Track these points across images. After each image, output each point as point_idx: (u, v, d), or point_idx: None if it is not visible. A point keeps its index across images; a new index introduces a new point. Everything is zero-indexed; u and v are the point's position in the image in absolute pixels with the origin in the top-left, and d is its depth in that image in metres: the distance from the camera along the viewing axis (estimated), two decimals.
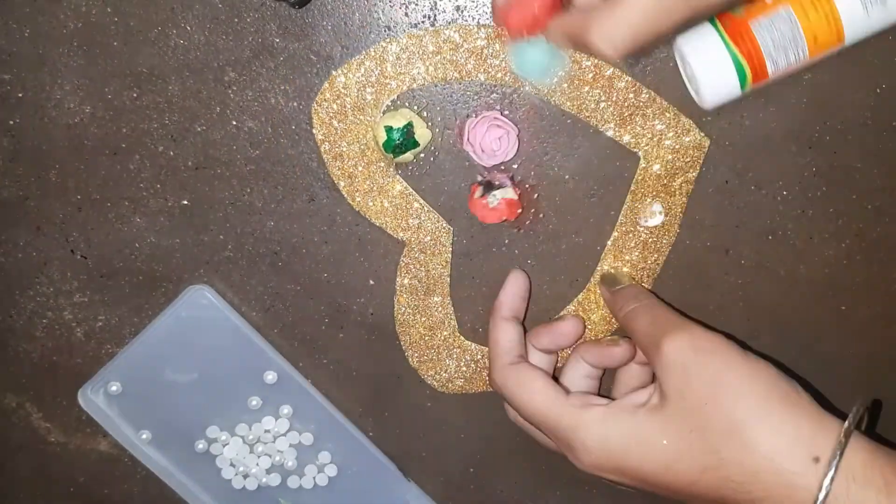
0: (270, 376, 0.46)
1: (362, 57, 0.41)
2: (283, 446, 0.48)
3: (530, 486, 0.50)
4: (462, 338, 0.46)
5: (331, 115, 0.42)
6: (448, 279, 0.45)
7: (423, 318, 0.45)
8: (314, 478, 0.49)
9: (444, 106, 0.42)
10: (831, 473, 0.31)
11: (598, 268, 0.45)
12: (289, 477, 0.49)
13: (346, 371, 0.47)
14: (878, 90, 0.42)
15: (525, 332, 0.44)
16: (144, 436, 0.48)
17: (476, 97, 0.42)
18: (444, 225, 0.44)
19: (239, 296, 0.46)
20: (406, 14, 0.41)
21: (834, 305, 0.46)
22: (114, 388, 0.46)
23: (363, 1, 0.40)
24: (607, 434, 0.36)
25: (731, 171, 0.44)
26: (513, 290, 0.44)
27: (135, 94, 0.41)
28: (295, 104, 0.42)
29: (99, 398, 0.47)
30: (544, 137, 0.43)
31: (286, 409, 0.47)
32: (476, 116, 0.42)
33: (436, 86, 0.42)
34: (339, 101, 0.41)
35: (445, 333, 0.46)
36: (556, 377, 0.43)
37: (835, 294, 0.46)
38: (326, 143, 0.42)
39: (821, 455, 0.32)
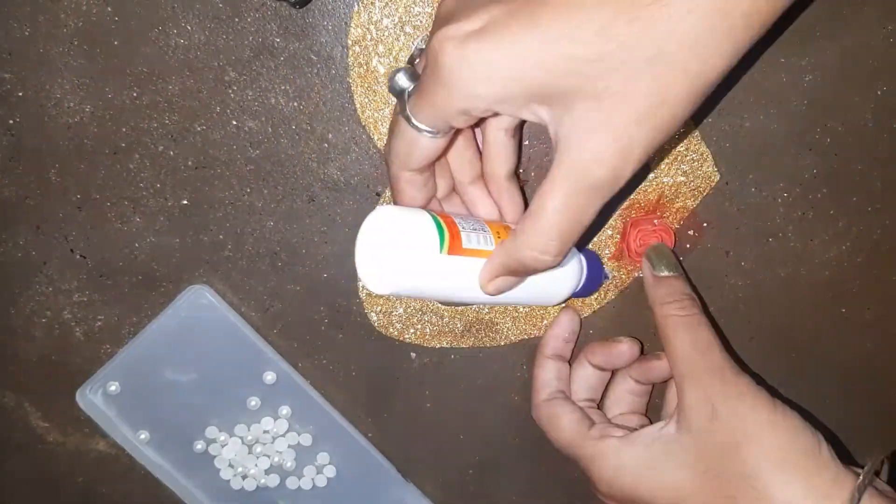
0: (269, 377, 0.46)
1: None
2: (281, 447, 0.48)
3: (529, 487, 0.50)
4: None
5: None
6: None
7: None
8: (313, 479, 0.49)
9: None
10: None
11: None
12: (287, 478, 0.49)
13: (346, 372, 0.47)
14: (879, 92, 0.42)
15: (569, 365, 0.45)
16: (143, 436, 0.48)
17: None
18: None
19: (238, 296, 0.46)
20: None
21: (834, 307, 0.46)
22: (112, 387, 0.46)
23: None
24: (621, 464, 0.37)
25: (731, 172, 0.44)
26: (559, 332, 0.45)
27: (135, 94, 0.41)
28: (295, 104, 0.42)
29: (97, 398, 0.47)
30: (544, 139, 0.43)
31: (285, 410, 0.47)
32: None
33: None
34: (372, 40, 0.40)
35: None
36: (603, 395, 0.45)
37: (835, 296, 0.46)
38: (358, 46, 0.40)
39: None
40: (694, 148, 0.43)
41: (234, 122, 0.42)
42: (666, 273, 0.41)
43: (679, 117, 0.28)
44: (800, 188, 0.44)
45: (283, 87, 0.42)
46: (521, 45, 0.27)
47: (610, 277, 0.45)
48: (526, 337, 0.46)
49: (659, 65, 0.27)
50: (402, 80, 0.32)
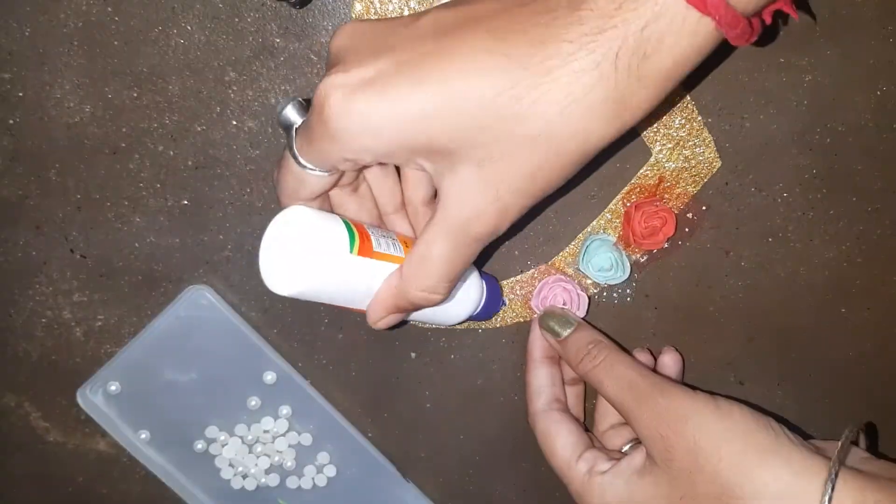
0: (270, 376, 0.46)
1: None
2: (282, 446, 0.48)
3: (529, 487, 0.50)
4: None
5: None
6: None
7: None
8: (313, 478, 0.49)
9: None
10: None
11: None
12: (288, 477, 0.49)
13: (346, 371, 0.47)
14: (879, 92, 0.42)
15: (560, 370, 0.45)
16: (143, 436, 0.48)
17: None
18: None
19: (238, 296, 0.46)
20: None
21: (834, 307, 0.46)
22: (113, 387, 0.46)
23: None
24: (605, 502, 0.38)
25: (731, 172, 0.44)
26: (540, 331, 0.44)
27: (135, 94, 0.41)
28: None
29: (98, 398, 0.47)
30: None
31: (285, 410, 0.47)
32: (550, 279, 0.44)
33: None
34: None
35: None
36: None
37: (835, 296, 0.46)
38: None
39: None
40: (696, 133, 0.42)
41: (234, 122, 0.42)
42: (567, 333, 0.42)
43: (554, 185, 0.30)
44: (800, 188, 0.44)
45: (283, 88, 0.42)
46: (407, 103, 0.28)
47: (507, 304, 0.46)
48: (521, 321, 0.46)
49: (540, 143, 0.28)
50: (291, 114, 0.32)
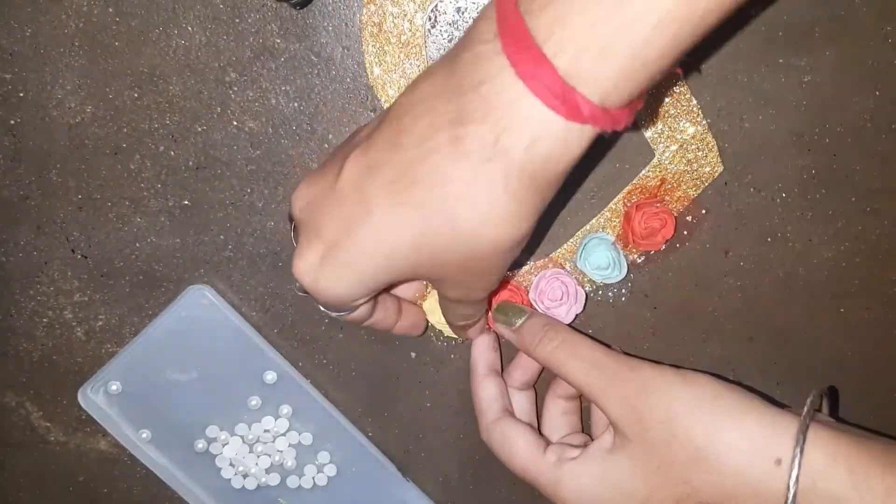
0: (270, 376, 0.46)
1: None
2: (282, 446, 0.48)
3: (529, 487, 0.50)
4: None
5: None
6: None
7: None
8: (313, 478, 0.49)
9: None
10: (794, 474, 0.32)
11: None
12: (288, 477, 0.49)
13: (346, 371, 0.47)
14: (877, 92, 0.42)
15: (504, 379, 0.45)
16: (144, 435, 0.48)
17: None
18: None
19: (239, 296, 0.46)
20: None
21: (833, 307, 0.46)
22: (114, 387, 0.46)
23: (364, 1, 0.40)
24: (581, 486, 0.37)
25: (730, 172, 0.44)
26: (483, 345, 0.45)
27: (136, 94, 0.42)
28: (296, 105, 0.42)
29: (99, 397, 0.47)
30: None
31: (286, 409, 0.47)
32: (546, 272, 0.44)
33: None
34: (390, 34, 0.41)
35: None
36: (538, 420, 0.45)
37: (834, 296, 0.46)
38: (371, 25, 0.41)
39: (782, 456, 0.32)
40: (700, 137, 0.42)
41: (235, 123, 0.42)
42: (520, 321, 0.42)
43: (496, 279, 0.34)
44: (798, 188, 0.44)
45: (283, 88, 0.42)
46: (357, 268, 0.32)
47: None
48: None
49: (468, 264, 0.31)
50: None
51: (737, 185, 0.44)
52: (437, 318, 0.44)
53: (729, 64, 0.42)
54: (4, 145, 0.42)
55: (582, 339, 0.39)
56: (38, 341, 0.47)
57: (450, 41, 0.41)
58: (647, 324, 0.46)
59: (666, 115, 0.42)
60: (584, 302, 0.45)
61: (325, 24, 0.41)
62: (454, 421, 0.48)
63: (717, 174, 0.43)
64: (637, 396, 0.36)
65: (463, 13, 0.41)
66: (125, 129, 0.42)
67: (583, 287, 0.45)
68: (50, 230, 0.44)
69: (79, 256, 0.45)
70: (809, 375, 0.48)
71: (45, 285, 0.45)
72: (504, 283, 0.45)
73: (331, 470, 0.49)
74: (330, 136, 0.42)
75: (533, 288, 0.44)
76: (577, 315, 0.44)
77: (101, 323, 0.46)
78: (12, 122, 0.42)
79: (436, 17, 0.41)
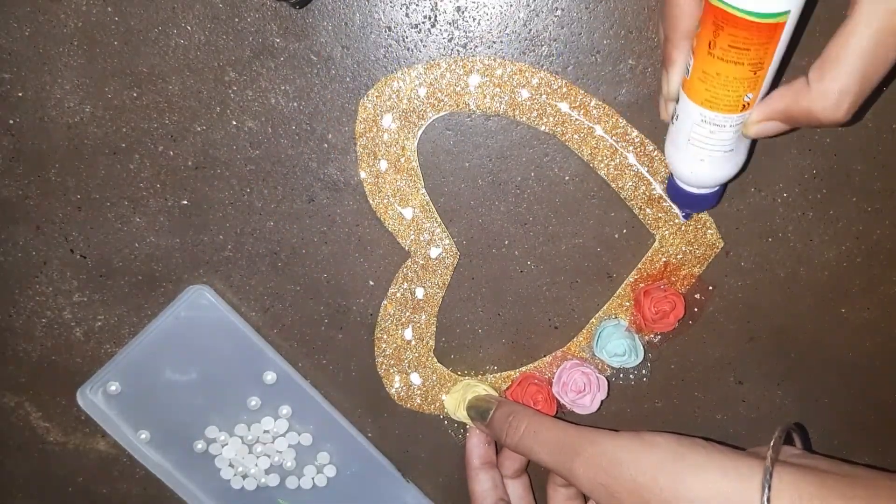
0: (270, 376, 0.46)
1: (421, 68, 0.41)
2: (282, 447, 0.48)
3: None
4: (434, 359, 0.46)
5: (379, 112, 0.42)
6: (440, 300, 0.45)
7: (405, 332, 0.46)
8: (313, 478, 0.49)
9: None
10: None
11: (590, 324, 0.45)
12: (287, 477, 0.49)
13: (346, 371, 0.47)
14: (877, 93, 0.42)
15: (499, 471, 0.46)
16: (143, 436, 0.48)
17: None
18: (454, 249, 0.44)
19: (238, 296, 0.46)
20: (406, 15, 0.41)
21: (833, 307, 0.46)
22: (113, 387, 0.46)
23: (363, 1, 0.40)
24: None
25: None
26: (476, 440, 0.46)
27: (135, 94, 0.41)
28: (295, 104, 0.42)
29: (98, 398, 0.47)
30: (544, 138, 0.43)
31: (285, 410, 0.47)
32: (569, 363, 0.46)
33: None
34: (390, 103, 0.41)
35: (420, 351, 0.46)
36: None
37: (834, 296, 0.46)
38: (364, 139, 0.42)
39: None
40: (695, 217, 0.44)
41: (234, 123, 0.42)
42: (490, 414, 0.43)
43: None
44: (800, 188, 0.44)
45: (283, 88, 0.42)
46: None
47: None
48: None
49: None
50: None
51: (738, 185, 0.44)
52: (460, 415, 0.46)
53: None
54: (3, 145, 0.42)
55: (543, 421, 0.40)
56: (36, 342, 0.46)
57: (450, 41, 0.41)
58: (669, 397, 0.47)
59: (662, 200, 0.43)
60: (607, 388, 0.46)
61: (325, 23, 0.41)
62: (454, 420, 0.48)
63: (718, 250, 0.44)
64: (603, 474, 0.36)
65: (463, 13, 0.41)
66: (124, 129, 0.42)
67: (604, 374, 0.46)
68: (49, 230, 0.44)
69: (78, 256, 0.45)
70: (809, 375, 0.48)
71: (44, 285, 0.45)
72: (527, 377, 0.46)
73: (330, 471, 0.49)
74: (329, 136, 0.42)
75: (556, 381, 0.46)
76: (602, 401, 0.45)
77: (99, 323, 0.46)
78: (11, 121, 0.42)
79: (436, 16, 0.41)
